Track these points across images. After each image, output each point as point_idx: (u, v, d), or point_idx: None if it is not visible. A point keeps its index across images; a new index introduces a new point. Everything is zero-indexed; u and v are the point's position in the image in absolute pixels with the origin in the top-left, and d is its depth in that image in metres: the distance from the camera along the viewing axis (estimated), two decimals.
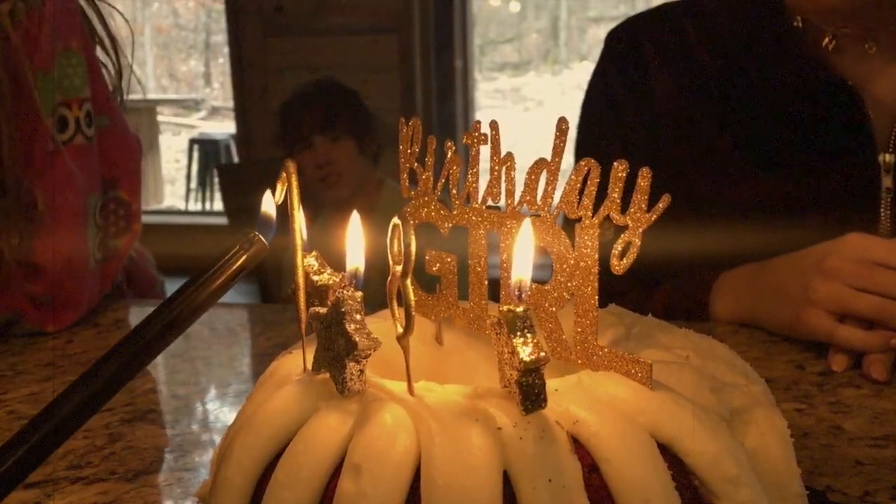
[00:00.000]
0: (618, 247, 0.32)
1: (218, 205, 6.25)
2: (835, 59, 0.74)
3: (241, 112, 4.18)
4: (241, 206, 2.47)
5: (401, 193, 0.40)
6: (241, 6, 4.08)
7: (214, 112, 11.34)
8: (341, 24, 4.04)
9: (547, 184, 0.34)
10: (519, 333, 0.28)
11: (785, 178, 0.77)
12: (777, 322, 0.68)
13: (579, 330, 0.33)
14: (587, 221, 0.32)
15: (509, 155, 0.36)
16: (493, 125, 0.37)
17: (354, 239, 0.33)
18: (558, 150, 0.34)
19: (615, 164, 0.31)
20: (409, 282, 0.29)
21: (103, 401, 0.31)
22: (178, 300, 0.32)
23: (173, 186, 7.36)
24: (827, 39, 0.74)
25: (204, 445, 0.53)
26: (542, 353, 0.28)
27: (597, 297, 0.32)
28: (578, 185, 0.33)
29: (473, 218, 0.37)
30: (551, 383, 0.30)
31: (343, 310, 0.31)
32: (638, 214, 0.31)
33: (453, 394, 0.31)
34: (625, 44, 0.87)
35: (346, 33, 4.07)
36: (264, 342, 0.75)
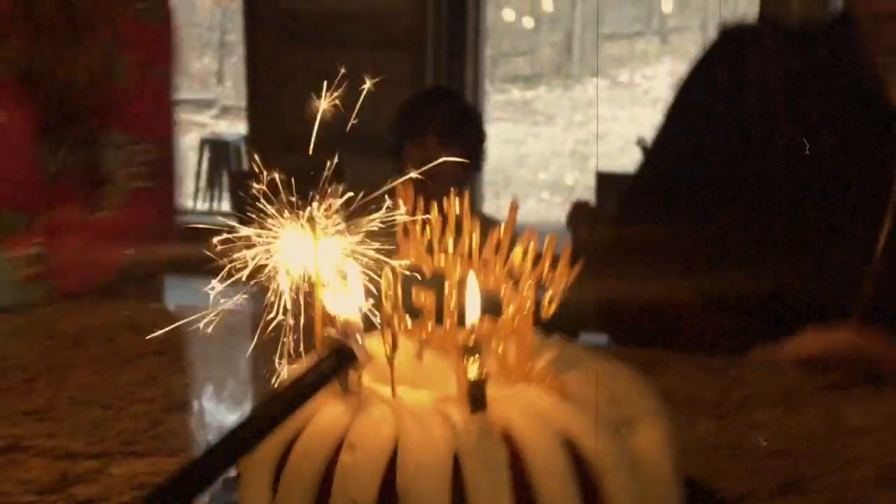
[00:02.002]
0: (550, 296, 0.44)
1: (225, 205, 6.39)
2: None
3: (254, 116, 4.31)
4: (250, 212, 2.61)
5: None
6: (258, 11, 4.21)
7: (226, 111, 11.45)
8: (357, 36, 4.16)
9: (501, 248, 0.46)
10: (471, 359, 0.41)
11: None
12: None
13: (518, 355, 0.45)
14: (525, 277, 0.44)
15: (475, 222, 0.48)
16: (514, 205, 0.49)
17: (357, 287, 0.45)
18: (508, 228, 0.46)
19: (525, 237, 0.44)
20: (395, 320, 0.42)
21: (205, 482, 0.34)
22: (270, 406, 0.37)
23: (181, 184, 7.43)
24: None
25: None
26: (484, 374, 0.40)
27: (532, 331, 0.45)
28: (525, 252, 0.45)
29: (449, 266, 0.50)
30: (492, 394, 0.42)
31: (350, 333, 0.43)
32: (556, 277, 0.43)
33: (423, 397, 0.43)
34: (732, 47, 0.99)
35: (360, 45, 4.18)
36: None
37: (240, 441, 0.36)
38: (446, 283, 0.50)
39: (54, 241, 0.96)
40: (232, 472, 0.49)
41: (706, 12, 16.47)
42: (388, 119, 2.67)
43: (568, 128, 12.93)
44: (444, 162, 2.13)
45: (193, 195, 6.62)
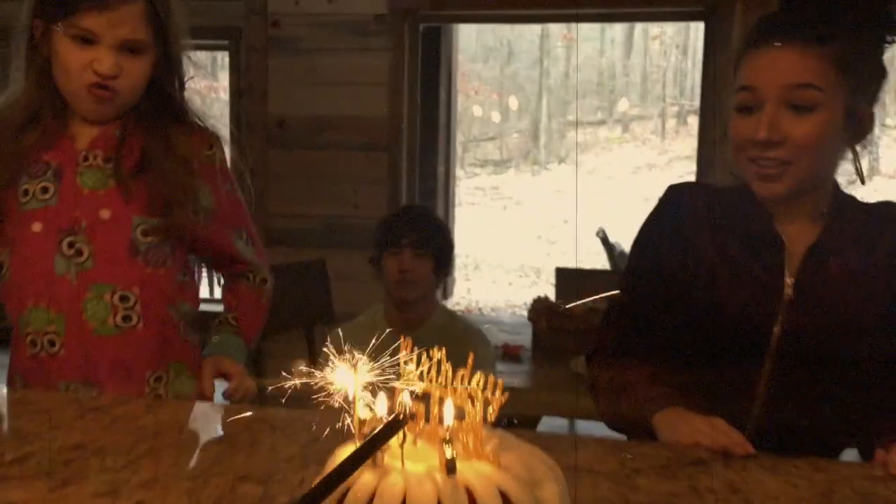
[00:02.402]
0: (491, 410, 0.77)
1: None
2: (775, 224, 1.30)
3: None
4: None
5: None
6: (246, 121, 4.59)
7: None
8: (337, 140, 4.54)
9: (464, 380, 0.79)
10: (447, 446, 0.73)
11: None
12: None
13: (473, 443, 0.77)
14: (478, 398, 0.77)
15: (449, 365, 0.81)
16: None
17: (382, 402, 0.78)
18: (468, 369, 0.79)
19: (478, 375, 0.77)
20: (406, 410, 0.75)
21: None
22: (356, 454, 0.72)
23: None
24: (772, 215, 1.30)
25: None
26: (453, 457, 0.73)
27: (482, 431, 0.77)
28: (479, 381, 0.78)
29: (432, 390, 0.82)
30: (460, 465, 0.74)
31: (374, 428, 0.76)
32: (495, 399, 0.76)
33: (420, 468, 0.75)
34: (675, 204, 1.38)
35: (341, 149, 4.56)
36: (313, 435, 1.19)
37: (336, 479, 0.68)
38: (432, 399, 0.83)
39: None
40: None
41: (664, 103, 17.14)
42: (365, 214, 2.97)
43: (536, 212, 13.38)
44: (420, 269, 2.64)
45: (209, 284, 6.89)
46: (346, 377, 0.79)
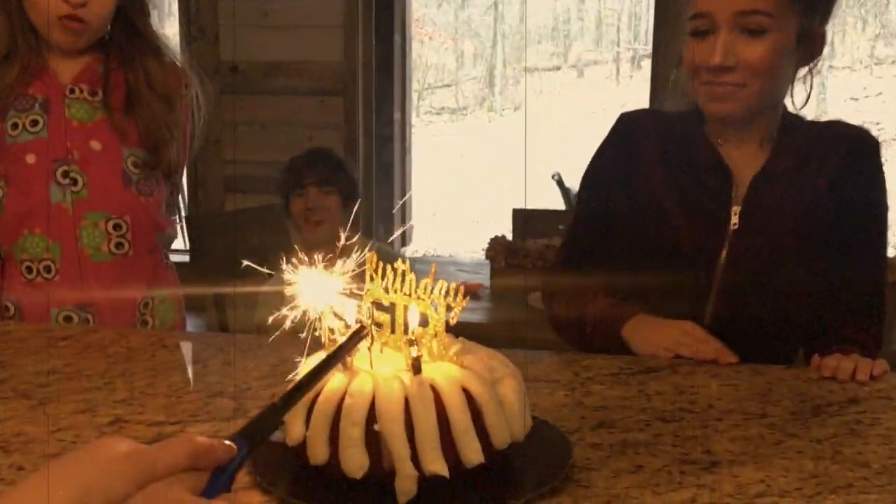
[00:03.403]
0: (453, 315, 0.82)
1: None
2: (722, 150, 1.34)
3: (193, 163, 4.60)
4: (203, 251, 2.95)
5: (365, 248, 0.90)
6: (199, 65, 4.52)
7: None
8: (291, 85, 4.50)
9: (427, 287, 0.84)
10: (412, 346, 0.79)
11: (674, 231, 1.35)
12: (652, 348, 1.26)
13: (439, 346, 0.83)
14: (441, 305, 0.82)
15: (413, 276, 0.86)
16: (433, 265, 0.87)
17: (350, 312, 0.82)
18: (432, 275, 0.84)
19: (441, 281, 0.82)
20: (370, 329, 0.80)
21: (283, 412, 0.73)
22: (325, 361, 0.76)
23: None
24: (720, 141, 1.35)
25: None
26: (419, 354, 0.78)
27: (445, 334, 0.82)
28: (441, 292, 0.83)
29: (398, 300, 0.87)
30: (425, 366, 0.80)
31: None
32: (458, 303, 0.81)
33: (388, 370, 0.81)
34: (625, 133, 1.42)
35: (294, 94, 4.52)
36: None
37: (309, 380, 0.72)
38: (397, 309, 0.88)
39: None
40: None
41: (619, 48, 17.15)
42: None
43: (491, 159, 13.40)
44: (328, 206, 2.66)
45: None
46: (316, 287, 0.83)
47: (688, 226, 1.33)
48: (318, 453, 0.78)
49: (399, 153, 5.21)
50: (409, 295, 0.85)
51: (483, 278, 2.98)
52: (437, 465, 0.76)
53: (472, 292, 2.85)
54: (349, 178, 2.49)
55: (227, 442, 0.61)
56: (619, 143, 1.42)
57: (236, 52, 4.52)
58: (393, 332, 0.87)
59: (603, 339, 1.33)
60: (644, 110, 1.52)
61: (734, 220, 1.32)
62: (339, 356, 0.76)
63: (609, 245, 1.40)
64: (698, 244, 1.33)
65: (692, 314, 1.32)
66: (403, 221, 4.69)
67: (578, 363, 1.18)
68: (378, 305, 0.88)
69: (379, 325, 0.88)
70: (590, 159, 1.49)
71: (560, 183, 5.51)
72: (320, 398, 0.79)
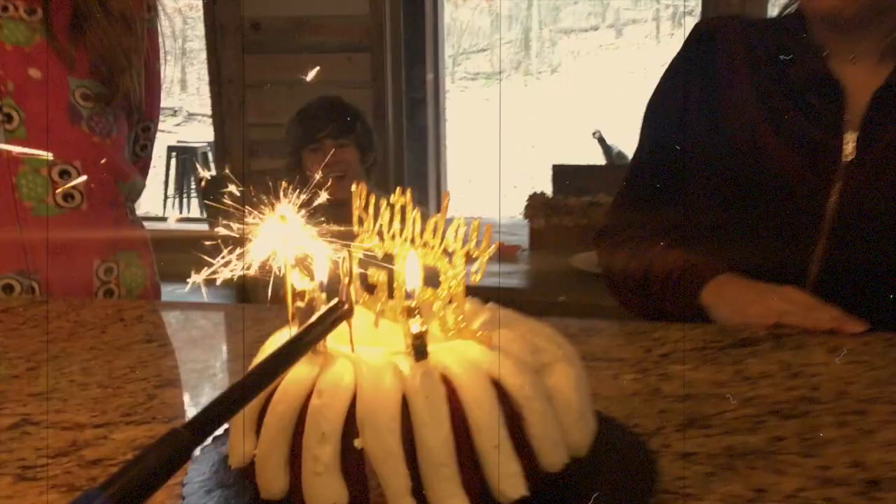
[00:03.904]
0: (476, 268, 0.54)
1: (195, 211, 6.45)
2: (830, 63, 1.05)
3: (220, 124, 4.37)
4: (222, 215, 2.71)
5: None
6: (220, 23, 4.28)
7: (191, 118, 11.41)
8: (316, 42, 4.24)
9: (437, 231, 0.56)
10: (412, 317, 0.51)
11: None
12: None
13: (455, 317, 0.55)
14: (458, 253, 0.55)
15: (417, 212, 0.58)
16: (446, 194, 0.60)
17: (321, 264, 0.55)
18: (443, 213, 0.56)
19: (455, 221, 0.54)
20: (352, 288, 0.52)
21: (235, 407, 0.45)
22: (287, 346, 0.48)
23: (150, 192, 7.47)
24: (826, 52, 1.05)
25: None
26: (423, 329, 0.51)
27: (464, 297, 0.55)
28: (459, 231, 0.55)
29: (396, 249, 0.60)
30: (432, 347, 0.52)
31: (314, 306, 0.53)
32: (483, 249, 0.53)
33: (376, 352, 0.53)
34: (704, 45, 1.13)
35: (320, 51, 4.26)
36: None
37: (265, 374, 0.46)
38: (395, 263, 0.60)
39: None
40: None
41: (658, 4, 16.62)
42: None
43: (529, 123, 13.07)
44: (344, 159, 2.35)
45: (163, 202, 6.65)
46: (275, 231, 0.56)
47: (786, 158, 1.03)
48: (273, 484, 0.52)
49: (433, 117, 4.93)
50: (413, 242, 0.58)
51: (521, 240, 2.70)
52: (452, 501, 0.49)
53: (509, 255, 2.57)
54: (365, 127, 2.25)
55: None
56: (695, 57, 1.12)
57: (259, 9, 4.27)
58: (391, 296, 0.59)
59: (675, 303, 1.04)
60: (726, 17, 1.21)
61: (848, 149, 1.02)
62: (298, 347, 0.49)
63: (683, 184, 1.11)
64: (801, 181, 1.03)
65: (794, 270, 1.02)
66: (438, 187, 4.42)
67: (648, 335, 0.90)
68: (369, 259, 0.61)
69: (371, 287, 0.61)
70: (656, 86, 1.19)
71: (601, 140, 5.20)
72: (275, 398, 0.52)
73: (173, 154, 6.94)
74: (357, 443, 0.49)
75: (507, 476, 0.50)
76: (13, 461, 0.64)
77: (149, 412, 0.72)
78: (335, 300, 0.51)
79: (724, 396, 0.73)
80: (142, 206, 6.53)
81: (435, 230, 0.56)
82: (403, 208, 0.59)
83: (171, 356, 0.87)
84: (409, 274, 0.53)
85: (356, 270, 0.54)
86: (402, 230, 0.59)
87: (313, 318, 0.50)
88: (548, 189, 3.42)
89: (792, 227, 1.04)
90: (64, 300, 1.08)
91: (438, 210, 0.57)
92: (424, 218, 0.58)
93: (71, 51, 1.16)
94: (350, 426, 0.49)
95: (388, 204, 0.60)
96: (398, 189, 0.60)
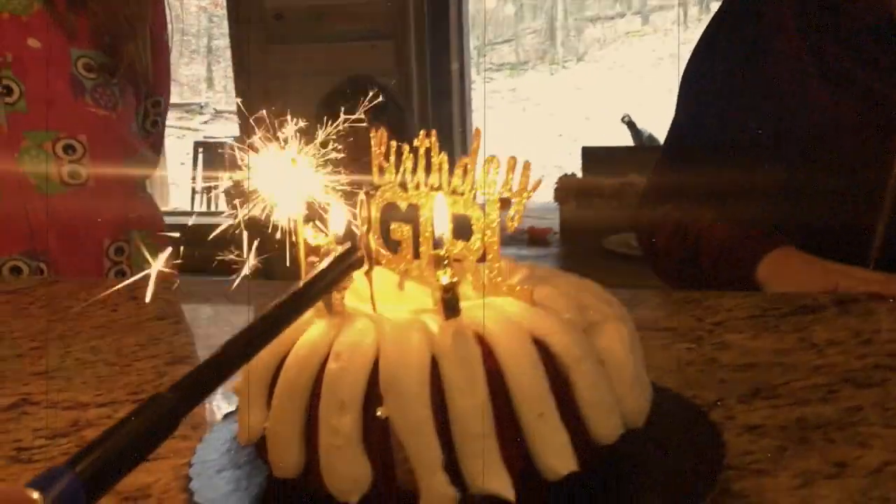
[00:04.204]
0: (512, 214, 0.47)
1: (222, 206, 6.43)
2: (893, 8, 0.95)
3: (244, 117, 4.33)
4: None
5: None
6: (242, 15, 4.24)
7: (217, 115, 11.44)
8: (339, 31, 4.18)
9: (467, 171, 0.50)
10: (441, 267, 0.44)
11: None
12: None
13: (489, 271, 0.48)
14: (491, 200, 0.48)
15: (443, 156, 0.52)
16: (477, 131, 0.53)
17: (339, 213, 0.49)
18: (474, 153, 0.49)
19: (487, 161, 0.47)
20: (370, 236, 0.45)
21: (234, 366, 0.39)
22: (292, 295, 0.42)
23: (178, 189, 7.49)
24: None
25: None
26: (454, 279, 0.44)
27: (499, 249, 0.48)
28: (491, 173, 0.49)
29: (422, 198, 0.53)
30: (464, 304, 0.46)
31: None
32: (520, 191, 0.46)
33: (402, 311, 0.47)
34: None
35: (343, 40, 4.21)
36: None
37: (265, 328, 0.39)
38: (421, 215, 0.54)
39: None
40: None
41: None
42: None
43: (554, 112, 12.93)
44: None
45: (191, 198, 6.65)
46: (285, 177, 0.49)
47: (844, 118, 0.95)
48: (286, 460, 0.45)
49: (458, 107, 4.86)
50: (439, 188, 0.51)
51: (551, 223, 2.62)
52: (494, 480, 0.42)
53: (540, 238, 2.50)
54: (398, 107, 2.17)
55: (31, 492, 0.29)
56: (738, 8, 1.04)
57: None
58: (417, 256, 0.53)
59: (727, 276, 0.97)
60: None
61: None
62: (305, 299, 0.43)
63: (728, 148, 1.03)
64: (860, 139, 0.95)
65: (854, 238, 0.94)
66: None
67: (698, 304, 0.83)
68: (391, 211, 0.55)
69: (394, 245, 0.54)
70: (696, 43, 1.11)
71: (631, 124, 5.10)
72: (287, 364, 0.46)
73: (200, 150, 6.94)
74: (381, 412, 0.43)
75: (554, 448, 0.43)
76: (8, 442, 0.58)
77: (157, 390, 0.66)
78: (348, 244, 0.45)
79: (789, 366, 0.65)
80: (171, 203, 6.54)
81: (465, 174, 0.50)
82: (429, 152, 0.52)
83: (184, 333, 0.82)
84: (438, 218, 0.46)
85: (375, 215, 0.48)
86: (427, 178, 0.52)
87: (323, 265, 0.44)
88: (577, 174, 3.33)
89: (850, 192, 0.96)
90: (76, 281, 1.03)
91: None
92: (452, 163, 0.52)
93: (71, 19, 1.11)
94: (372, 393, 0.43)
95: (412, 149, 0.54)
96: (422, 132, 0.54)
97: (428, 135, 0.53)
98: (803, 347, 0.70)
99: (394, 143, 0.55)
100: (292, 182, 0.49)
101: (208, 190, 0.55)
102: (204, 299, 0.94)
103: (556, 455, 0.43)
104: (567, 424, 0.44)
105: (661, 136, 1.17)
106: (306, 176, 0.49)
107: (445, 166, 0.51)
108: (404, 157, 0.54)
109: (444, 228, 0.46)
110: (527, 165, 0.47)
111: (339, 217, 0.49)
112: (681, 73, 1.12)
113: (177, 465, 0.53)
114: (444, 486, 0.41)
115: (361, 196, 0.47)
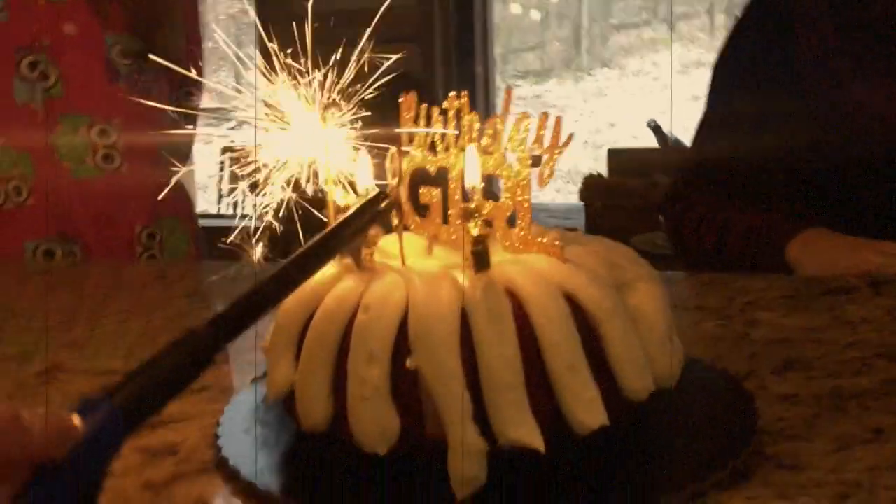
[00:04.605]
0: (544, 170, 0.47)
1: (248, 209, 6.48)
2: None
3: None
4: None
5: None
6: (269, 19, 4.28)
7: (244, 122, 11.50)
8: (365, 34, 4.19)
9: (497, 132, 0.49)
10: (472, 219, 0.44)
11: None
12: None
13: (519, 230, 0.48)
14: (522, 157, 0.48)
15: (473, 115, 0.52)
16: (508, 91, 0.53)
17: (366, 167, 0.49)
18: (504, 111, 0.49)
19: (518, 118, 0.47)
20: (401, 188, 0.45)
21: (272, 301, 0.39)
22: (323, 238, 0.41)
23: (206, 193, 7.54)
24: None
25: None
26: (483, 238, 0.44)
27: (530, 206, 0.48)
28: (522, 132, 0.48)
29: (451, 159, 0.53)
30: (494, 258, 0.45)
31: None
32: (551, 147, 0.46)
33: (431, 265, 0.47)
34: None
35: (370, 44, 4.21)
36: None
37: (298, 269, 0.39)
38: (451, 179, 0.54)
39: None
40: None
41: None
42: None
43: (580, 119, 12.91)
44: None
45: (217, 201, 6.70)
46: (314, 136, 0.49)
47: (875, 107, 0.94)
48: (314, 412, 0.45)
49: (483, 113, 4.85)
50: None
51: (577, 222, 2.61)
52: (523, 431, 0.41)
53: None
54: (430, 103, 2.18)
55: (72, 417, 0.30)
56: (769, 1, 1.03)
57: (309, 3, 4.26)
58: (446, 220, 0.53)
59: (757, 259, 0.95)
60: None
61: None
62: (336, 242, 0.42)
63: (757, 142, 1.02)
64: (892, 133, 0.93)
65: (885, 227, 0.93)
66: (490, 180, 4.36)
67: (729, 285, 0.82)
68: (421, 176, 0.54)
69: (423, 208, 0.54)
70: (726, 37, 1.10)
71: (657, 129, 5.07)
72: (316, 317, 0.46)
73: (227, 155, 7.01)
74: (409, 363, 0.42)
75: (584, 402, 0.42)
76: (36, 405, 0.58)
77: None
78: (377, 191, 0.45)
79: (823, 341, 0.64)
80: (199, 206, 6.58)
81: (495, 134, 0.50)
82: (459, 113, 0.52)
83: (211, 309, 0.82)
84: (469, 170, 0.46)
85: (405, 168, 0.48)
86: (457, 139, 0.52)
87: (351, 210, 0.44)
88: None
89: (882, 188, 0.94)
90: (108, 264, 1.04)
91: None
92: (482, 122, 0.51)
93: (106, 4, 1.12)
94: (401, 344, 0.43)
95: (442, 110, 0.54)
96: (451, 94, 0.54)
97: (459, 96, 0.52)
98: (837, 325, 0.68)
99: (423, 107, 0.55)
100: (321, 138, 0.49)
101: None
102: (230, 280, 0.94)
103: (586, 409, 0.42)
104: (598, 379, 0.43)
105: (687, 141, 1.16)
106: (334, 132, 0.49)
107: (476, 125, 0.51)
108: (434, 119, 0.54)
109: (474, 180, 0.46)
110: (558, 121, 0.47)
111: (366, 171, 0.49)
112: (708, 82, 1.11)
113: (205, 426, 0.53)
114: (473, 437, 0.41)
115: (393, 150, 0.47)
